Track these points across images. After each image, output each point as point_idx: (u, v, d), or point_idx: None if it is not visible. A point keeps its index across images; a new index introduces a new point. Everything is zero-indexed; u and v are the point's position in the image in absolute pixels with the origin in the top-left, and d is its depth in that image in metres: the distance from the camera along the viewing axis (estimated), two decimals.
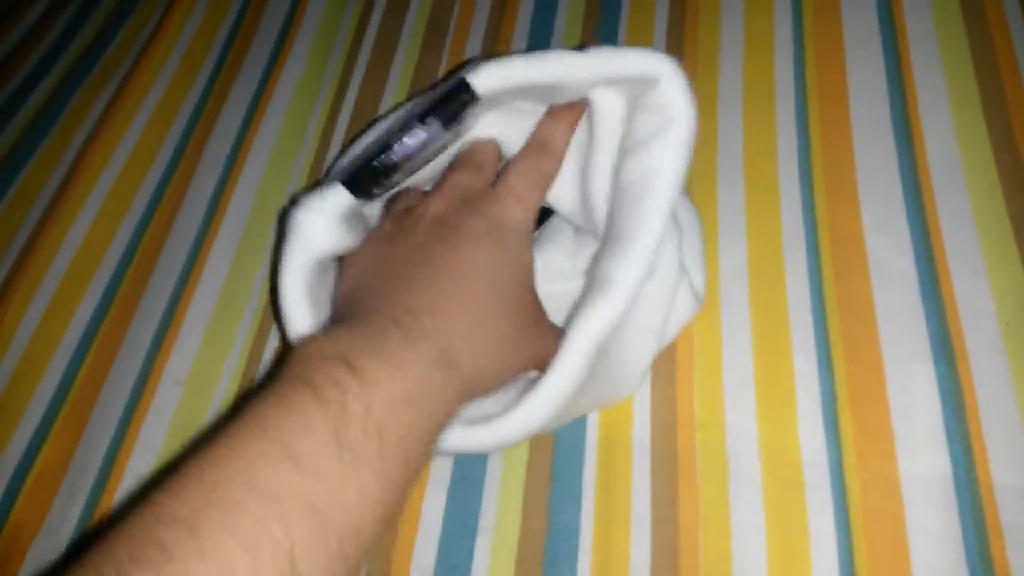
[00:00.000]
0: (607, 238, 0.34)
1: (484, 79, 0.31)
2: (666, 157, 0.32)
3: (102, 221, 0.51)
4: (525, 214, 0.33)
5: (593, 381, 0.32)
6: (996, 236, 0.37)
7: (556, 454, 0.37)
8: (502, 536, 0.35)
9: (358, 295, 0.32)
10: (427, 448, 0.28)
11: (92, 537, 0.41)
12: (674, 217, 0.34)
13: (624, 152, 0.33)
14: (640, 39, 0.48)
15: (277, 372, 0.27)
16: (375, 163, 0.32)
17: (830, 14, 0.45)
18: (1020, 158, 0.38)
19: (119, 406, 0.43)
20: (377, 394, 0.26)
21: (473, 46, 0.51)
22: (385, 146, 0.32)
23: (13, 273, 0.50)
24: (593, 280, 0.33)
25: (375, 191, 0.33)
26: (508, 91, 0.32)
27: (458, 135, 0.34)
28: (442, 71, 0.51)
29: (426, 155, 0.33)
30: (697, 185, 0.42)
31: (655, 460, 0.35)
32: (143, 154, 0.53)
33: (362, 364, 0.26)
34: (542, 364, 0.32)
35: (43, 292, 0.49)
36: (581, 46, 0.33)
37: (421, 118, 0.31)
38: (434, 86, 0.42)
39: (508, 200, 0.33)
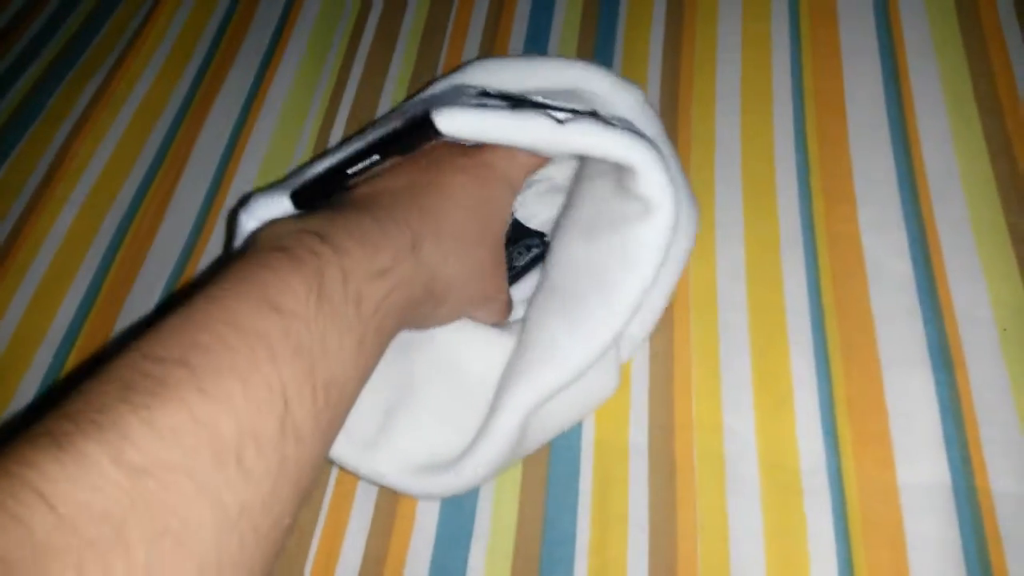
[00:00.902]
0: (558, 291, 0.34)
1: (451, 122, 0.30)
2: (648, 240, 0.31)
3: (87, 214, 0.50)
4: (511, 169, 0.33)
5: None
6: (993, 242, 0.37)
7: (552, 458, 0.36)
8: (498, 541, 0.35)
9: (333, 201, 0.31)
10: (396, 328, 0.28)
11: (70, 381, 0.40)
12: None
13: (601, 220, 0.33)
14: (637, 43, 0.47)
15: (239, 251, 0.27)
16: (326, 182, 0.32)
17: (827, 19, 0.45)
18: (1016, 165, 0.39)
19: None
20: (353, 264, 0.26)
21: (471, 45, 0.51)
22: (341, 169, 0.31)
23: None
24: (537, 334, 0.33)
25: (318, 204, 0.33)
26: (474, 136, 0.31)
27: None
28: (440, 69, 0.50)
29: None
30: (695, 187, 0.41)
31: (652, 464, 0.35)
32: (129, 147, 0.52)
33: (336, 238, 0.26)
34: (487, 310, 0.34)
35: (26, 286, 0.48)
36: (580, 56, 0.33)
37: (381, 151, 0.31)
38: (419, 91, 0.41)
39: (499, 152, 0.33)
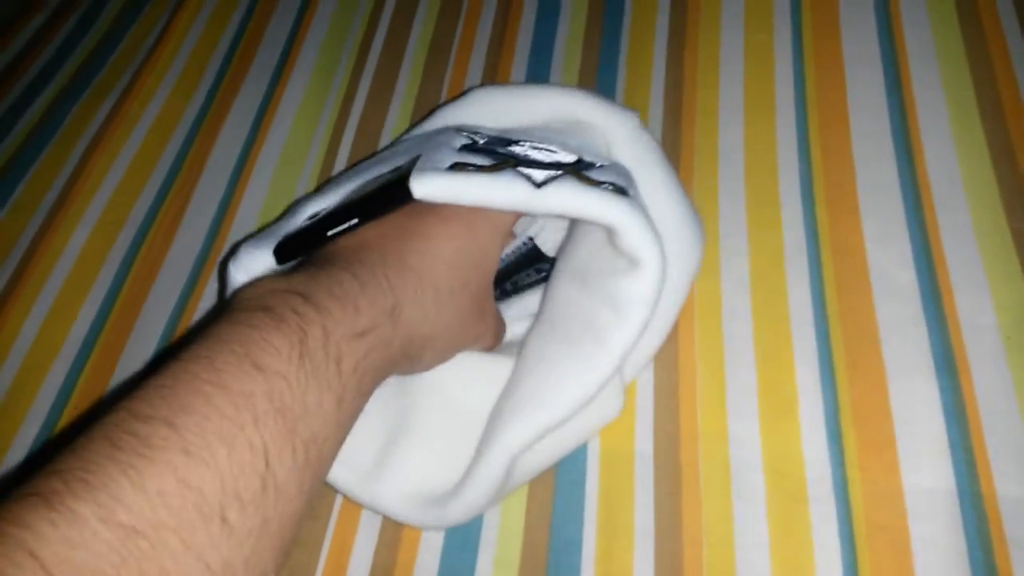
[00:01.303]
0: (553, 329, 0.35)
1: (426, 189, 0.30)
2: (636, 294, 0.32)
3: (101, 232, 0.51)
4: (498, 215, 0.33)
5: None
6: (997, 250, 0.37)
7: (558, 466, 0.36)
8: (504, 550, 0.35)
9: (317, 254, 0.32)
10: (374, 385, 0.28)
11: (59, 441, 0.40)
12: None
13: (593, 267, 0.34)
14: (641, 56, 0.48)
15: (225, 308, 0.27)
16: (307, 240, 0.32)
17: (830, 29, 0.46)
18: (1019, 170, 0.39)
19: None
20: (334, 324, 0.26)
21: (476, 60, 0.51)
22: (321, 230, 0.32)
23: (13, 282, 0.50)
24: (529, 372, 0.34)
25: (301, 257, 0.34)
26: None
27: None
28: (446, 85, 0.51)
29: None
30: (699, 198, 0.42)
31: (658, 472, 0.35)
32: (143, 165, 0.53)
33: (318, 298, 0.26)
34: (480, 346, 0.35)
35: (42, 302, 0.48)
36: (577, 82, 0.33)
37: (360, 214, 0.31)
38: (420, 121, 0.42)
39: None
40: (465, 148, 0.34)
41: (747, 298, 0.38)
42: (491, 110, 0.38)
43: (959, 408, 0.34)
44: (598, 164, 0.34)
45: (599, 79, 0.48)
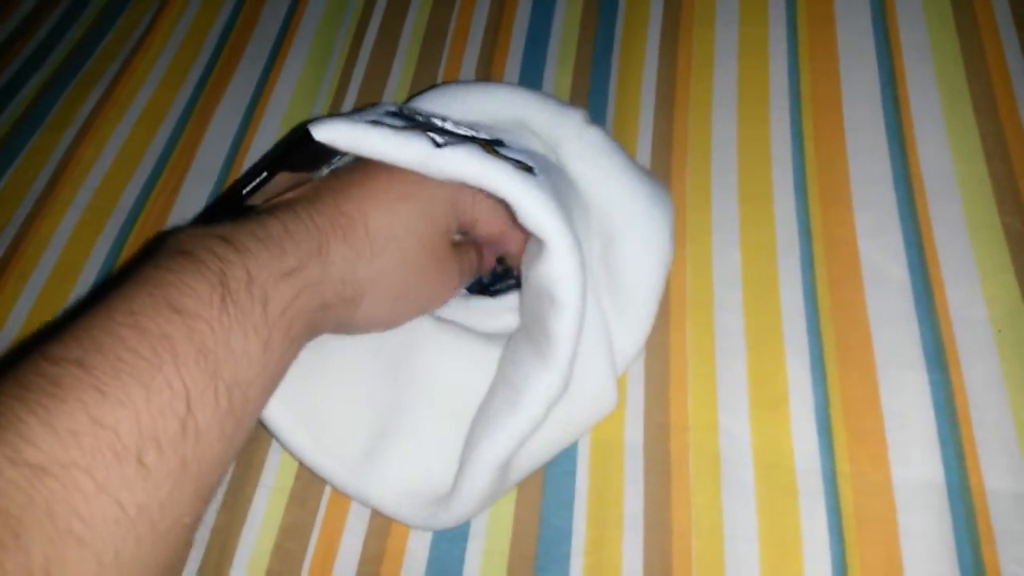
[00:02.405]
0: (526, 328, 0.34)
1: (327, 133, 0.30)
2: (554, 272, 0.31)
3: (90, 219, 0.50)
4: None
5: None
6: (989, 243, 0.37)
7: None
8: (494, 540, 0.35)
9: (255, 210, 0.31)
10: (307, 332, 0.28)
11: None
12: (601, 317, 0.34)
13: (530, 257, 0.33)
14: (635, 47, 0.48)
15: (147, 255, 0.26)
16: (225, 205, 0.32)
17: (824, 23, 0.46)
18: (1012, 166, 0.39)
19: None
20: (257, 266, 0.25)
21: (472, 48, 0.51)
22: (236, 190, 0.32)
23: (0, 270, 0.49)
24: (508, 372, 0.34)
25: None
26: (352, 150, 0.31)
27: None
28: (441, 75, 0.51)
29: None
30: (691, 191, 0.42)
31: (648, 463, 0.35)
32: (133, 152, 0.53)
33: (240, 241, 0.26)
34: (440, 301, 0.35)
35: (30, 289, 0.48)
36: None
37: (269, 167, 0.31)
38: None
39: None
40: (388, 114, 0.33)
41: (739, 291, 0.38)
42: (443, 105, 0.38)
43: (949, 401, 0.34)
44: (515, 147, 0.34)
45: (593, 71, 0.48)
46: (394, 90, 0.51)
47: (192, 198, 0.49)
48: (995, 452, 0.32)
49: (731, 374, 0.36)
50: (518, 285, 0.38)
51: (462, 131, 0.33)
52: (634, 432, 0.36)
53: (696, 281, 0.39)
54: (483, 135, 0.33)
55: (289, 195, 0.31)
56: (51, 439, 0.20)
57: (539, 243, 0.31)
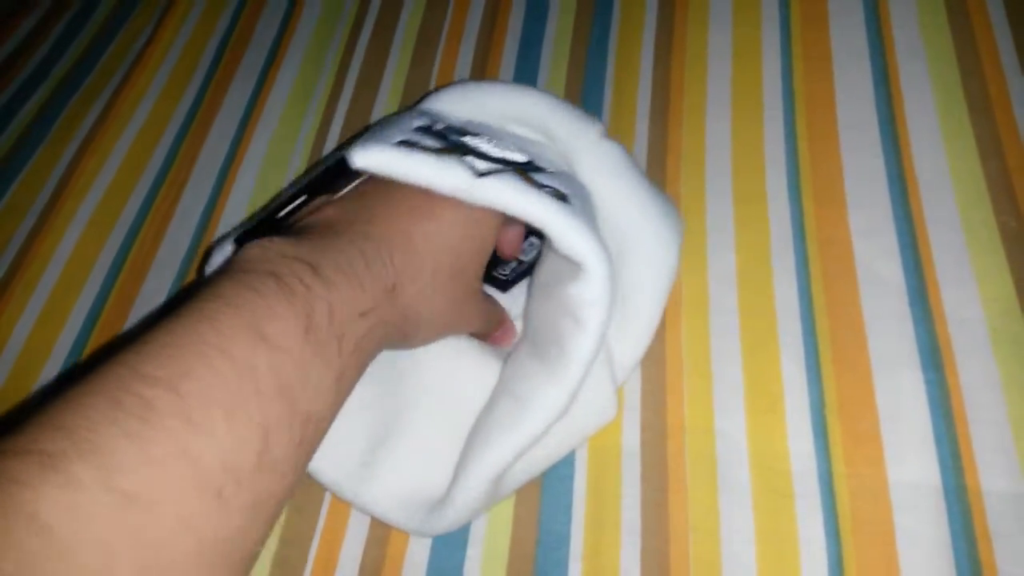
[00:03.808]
0: (527, 342, 0.35)
1: (366, 160, 0.30)
2: (586, 297, 0.31)
3: (92, 232, 0.51)
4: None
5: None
6: (983, 243, 0.37)
7: None
8: (493, 545, 0.35)
9: (325, 219, 0.31)
10: (368, 363, 0.28)
11: (55, 388, 0.39)
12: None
13: (552, 276, 0.34)
14: (629, 48, 0.48)
15: (231, 266, 0.26)
16: (263, 229, 0.32)
17: (818, 23, 0.46)
18: (1006, 164, 0.39)
19: None
20: (339, 301, 0.26)
21: (466, 50, 0.51)
22: (273, 214, 0.32)
23: (4, 284, 0.50)
24: (507, 387, 0.34)
25: None
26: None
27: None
28: (435, 74, 0.51)
29: None
30: (686, 193, 0.42)
31: (645, 466, 0.35)
32: (133, 166, 0.53)
33: (327, 273, 0.26)
34: (465, 331, 0.35)
35: (34, 304, 0.49)
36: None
37: (309, 192, 0.32)
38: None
39: None
40: (419, 130, 0.34)
41: (734, 293, 0.38)
42: (462, 104, 0.38)
43: (945, 402, 0.34)
44: (548, 170, 0.34)
45: (587, 73, 0.48)
46: (387, 92, 0.51)
47: (190, 210, 0.50)
48: (991, 452, 0.32)
49: (727, 376, 0.36)
50: (523, 274, 0.39)
51: (498, 152, 0.33)
52: (631, 436, 0.36)
53: (691, 283, 0.39)
54: (517, 157, 0.34)
55: (330, 213, 0.31)
56: (144, 469, 0.20)
57: (566, 261, 0.31)
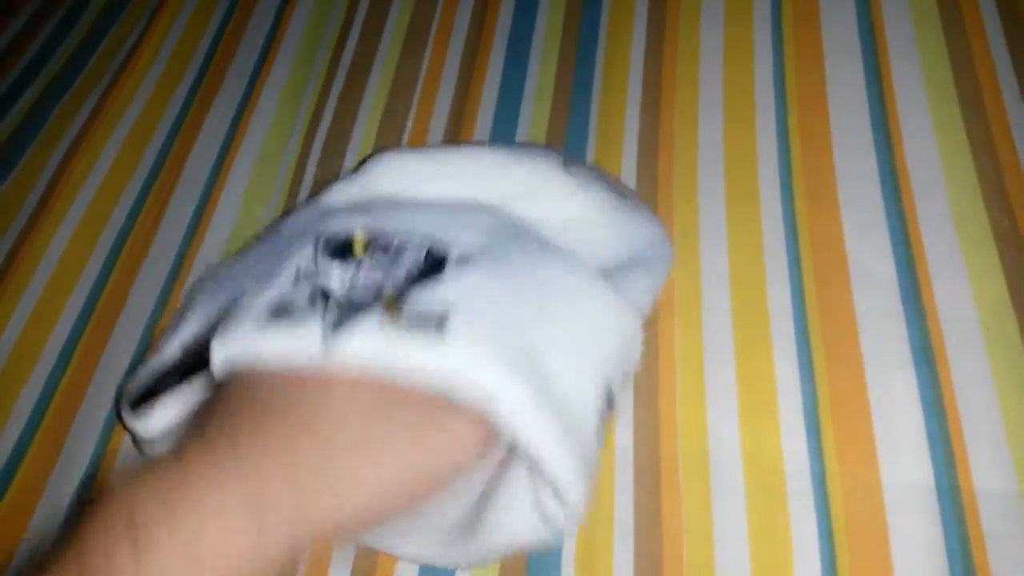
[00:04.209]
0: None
1: (221, 365, 0.26)
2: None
3: (82, 233, 0.50)
4: None
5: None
6: (976, 241, 0.37)
7: None
8: None
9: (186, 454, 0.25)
10: None
11: None
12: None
13: None
14: (619, 47, 0.48)
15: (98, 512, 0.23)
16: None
17: (809, 22, 0.46)
18: (999, 163, 0.39)
19: (99, 419, 0.42)
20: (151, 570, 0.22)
21: (455, 46, 0.51)
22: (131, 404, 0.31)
23: None
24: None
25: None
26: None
27: None
28: (423, 72, 0.51)
29: None
30: (678, 193, 0.42)
31: (637, 467, 0.35)
32: (123, 166, 0.53)
33: (147, 530, 0.22)
34: (461, 463, 0.26)
35: (24, 305, 0.48)
36: None
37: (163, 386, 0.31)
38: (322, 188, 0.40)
39: None
40: (298, 275, 0.29)
41: (726, 293, 0.38)
42: (398, 187, 0.36)
43: (938, 401, 0.33)
44: (456, 254, 0.29)
45: (577, 70, 0.48)
46: (375, 91, 0.51)
47: (180, 211, 0.49)
48: (984, 451, 0.32)
49: (719, 376, 0.36)
50: None
51: (376, 275, 0.28)
52: (623, 436, 0.36)
53: (684, 284, 0.39)
54: (389, 281, 0.28)
55: (226, 420, 0.25)
56: None
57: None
